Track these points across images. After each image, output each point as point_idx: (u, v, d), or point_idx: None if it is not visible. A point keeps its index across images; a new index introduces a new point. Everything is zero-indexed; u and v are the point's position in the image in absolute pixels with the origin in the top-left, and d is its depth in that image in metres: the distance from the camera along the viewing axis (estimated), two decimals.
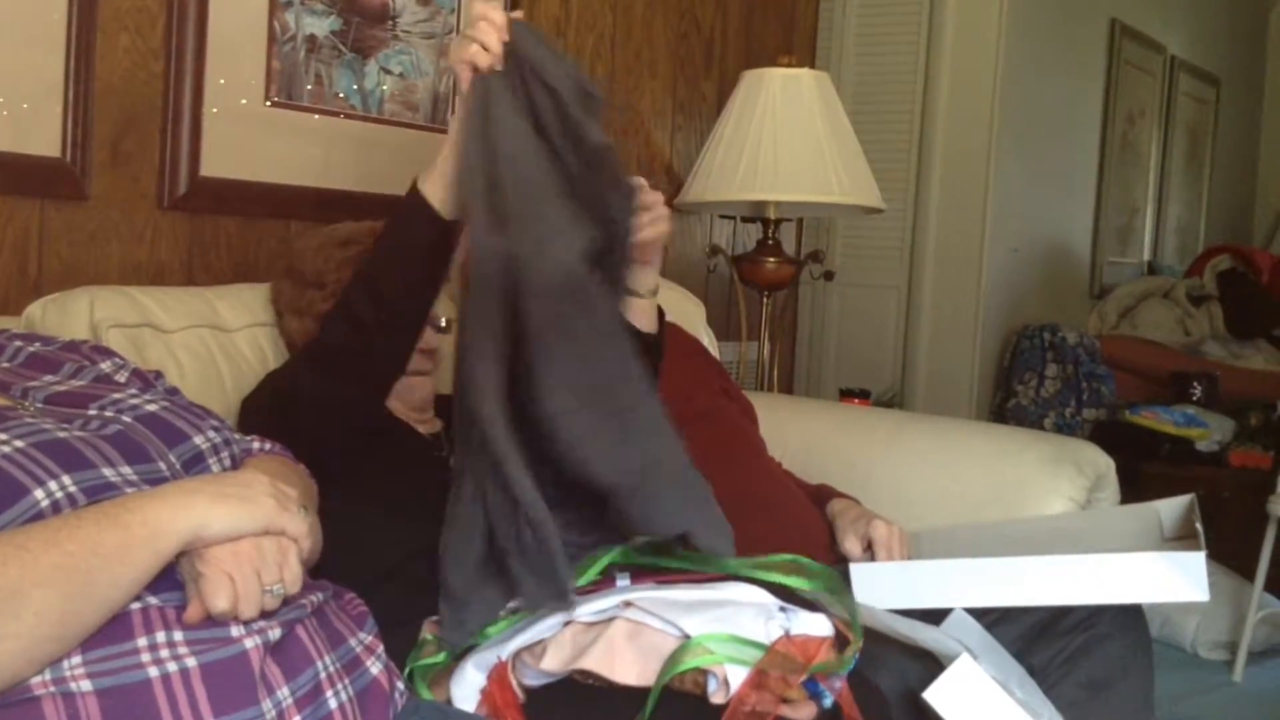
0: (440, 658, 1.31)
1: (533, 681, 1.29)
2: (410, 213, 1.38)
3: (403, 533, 1.46)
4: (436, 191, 1.37)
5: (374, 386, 1.47)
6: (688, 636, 1.23)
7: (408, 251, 1.39)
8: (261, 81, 1.97)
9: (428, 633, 1.37)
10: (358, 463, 1.51)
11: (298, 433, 1.42)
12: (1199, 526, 1.53)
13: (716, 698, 1.19)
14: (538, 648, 1.29)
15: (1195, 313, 4.76)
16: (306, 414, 1.46)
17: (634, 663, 1.23)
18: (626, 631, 1.26)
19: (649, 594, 1.32)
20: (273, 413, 1.51)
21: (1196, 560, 1.40)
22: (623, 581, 1.41)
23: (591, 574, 1.40)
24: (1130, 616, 1.48)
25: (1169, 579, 1.41)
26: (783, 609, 1.32)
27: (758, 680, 1.19)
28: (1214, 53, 5.77)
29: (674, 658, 1.21)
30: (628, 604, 1.29)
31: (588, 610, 1.31)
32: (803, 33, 3.36)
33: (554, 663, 1.26)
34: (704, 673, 1.20)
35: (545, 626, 1.31)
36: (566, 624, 1.30)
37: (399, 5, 2.17)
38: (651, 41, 2.81)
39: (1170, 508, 1.66)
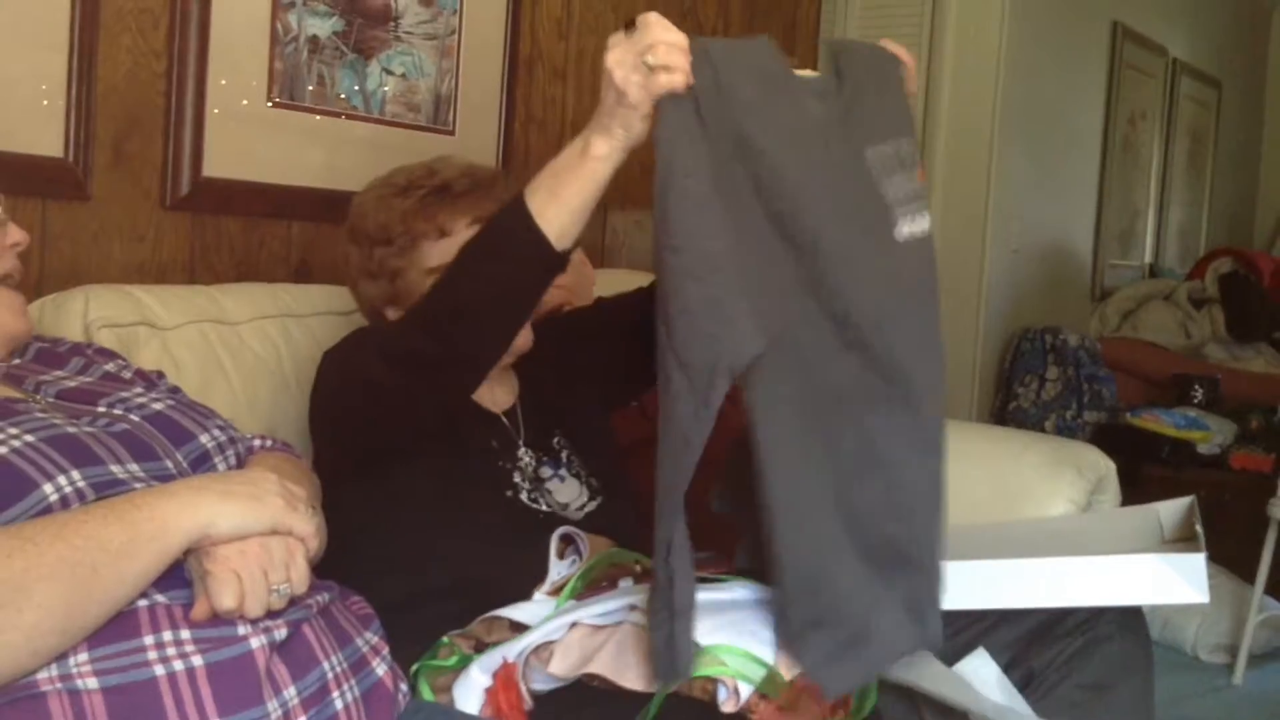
0: (451, 661, 1.31)
1: (540, 686, 1.28)
2: (515, 239, 1.26)
3: (453, 554, 1.45)
4: (556, 219, 1.24)
5: (457, 392, 1.42)
6: (696, 643, 1.23)
7: (506, 280, 1.29)
8: (264, 82, 1.97)
9: (454, 642, 1.36)
10: (416, 465, 1.48)
11: (371, 424, 1.40)
12: (1199, 529, 1.53)
13: (726, 706, 1.18)
14: (544, 651, 1.29)
15: (1196, 315, 4.76)
16: (382, 409, 1.40)
17: (642, 668, 1.22)
18: (634, 636, 1.25)
19: None
20: (342, 395, 1.46)
21: (1197, 562, 1.40)
22: (625, 583, 1.41)
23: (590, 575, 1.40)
24: (1131, 619, 1.48)
25: (1169, 581, 1.41)
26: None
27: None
28: (1216, 55, 5.78)
29: None
30: (634, 607, 1.29)
31: (593, 612, 1.30)
32: (805, 35, 3.36)
33: (561, 667, 1.26)
34: (714, 681, 1.20)
35: (551, 629, 1.30)
36: (573, 626, 1.30)
37: (401, 6, 2.18)
38: None
39: (1170, 510, 1.65)
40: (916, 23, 3.68)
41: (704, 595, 1.31)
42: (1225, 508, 3.50)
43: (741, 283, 1.12)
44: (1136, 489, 2.74)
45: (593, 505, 1.58)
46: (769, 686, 1.20)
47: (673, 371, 1.11)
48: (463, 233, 1.53)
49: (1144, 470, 3.62)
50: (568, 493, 1.58)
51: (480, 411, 1.59)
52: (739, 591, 1.33)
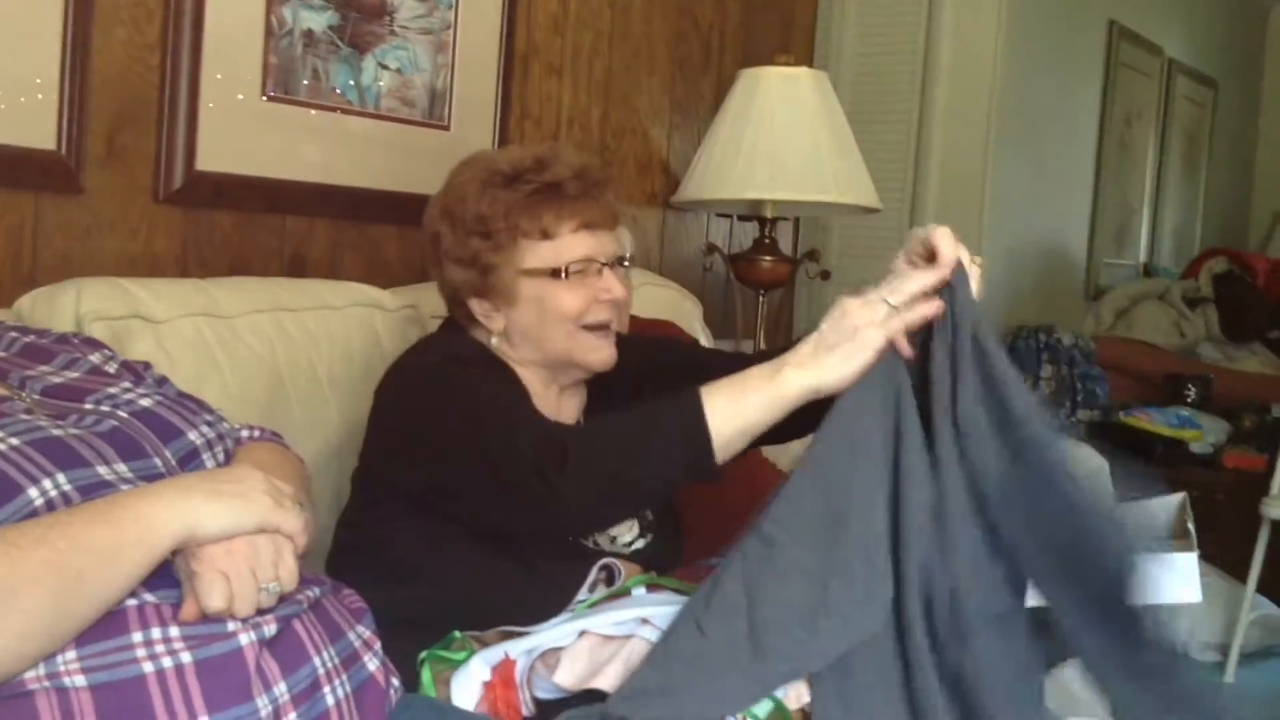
0: (460, 655, 1.30)
1: (544, 694, 1.27)
2: (686, 454, 1.26)
3: (489, 578, 1.43)
4: (728, 434, 1.26)
5: (543, 530, 1.41)
6: None
7: (654, 475, 1.29)
8: (258, 76, 1.97)
9: (466, 639, 1.36)
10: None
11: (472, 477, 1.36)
12: (1190, 526, 1.53)
13: None
14: (551, 657, 1.27)
15: (1190, 315, 4.77)
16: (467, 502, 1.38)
17: None
18: (644, 652, 1.24)
19: (666, 609, 1.30)
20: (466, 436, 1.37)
21: (1189, 561, 1.40)
22: (638, 591, 1.40)
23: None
24: None
25: (1161, 580, 1.41)
26: None
27: None
28: (1211, 55, 5.78)
29: None
30: (645, 620, 1.28)
31: (604, 621, 1.29)
32: (801, 32, 3.36)
33: (568, 678, 1.25)
34: None
35: (561, 634, 1.29)
36: (582, 634, 1.29)
37: (396, 1, 2.17)
38: (650, 39, 2.81)
39: (1162, 506, 1.66)
40: (913, 21, 3.67)
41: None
42: (1218, 507, 3.50)
43: None
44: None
45: (642, 542, 1.54)
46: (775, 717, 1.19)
47: None
48: (566, 237, 1.49)
49: (1137, 469, 3.62)
50: (620, 527, 1.53)
51: None
52: None
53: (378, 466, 1.50)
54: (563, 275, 1.48)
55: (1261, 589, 3.23)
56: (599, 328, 1.51)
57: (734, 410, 1.25)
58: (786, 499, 1.22)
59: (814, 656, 1.18)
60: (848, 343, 1.24)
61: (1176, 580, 1.40)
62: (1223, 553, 3.31)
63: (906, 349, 1.26)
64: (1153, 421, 3.84)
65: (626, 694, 1.17)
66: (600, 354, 1.52)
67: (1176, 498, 1.65)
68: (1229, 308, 4.81)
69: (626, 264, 1.55)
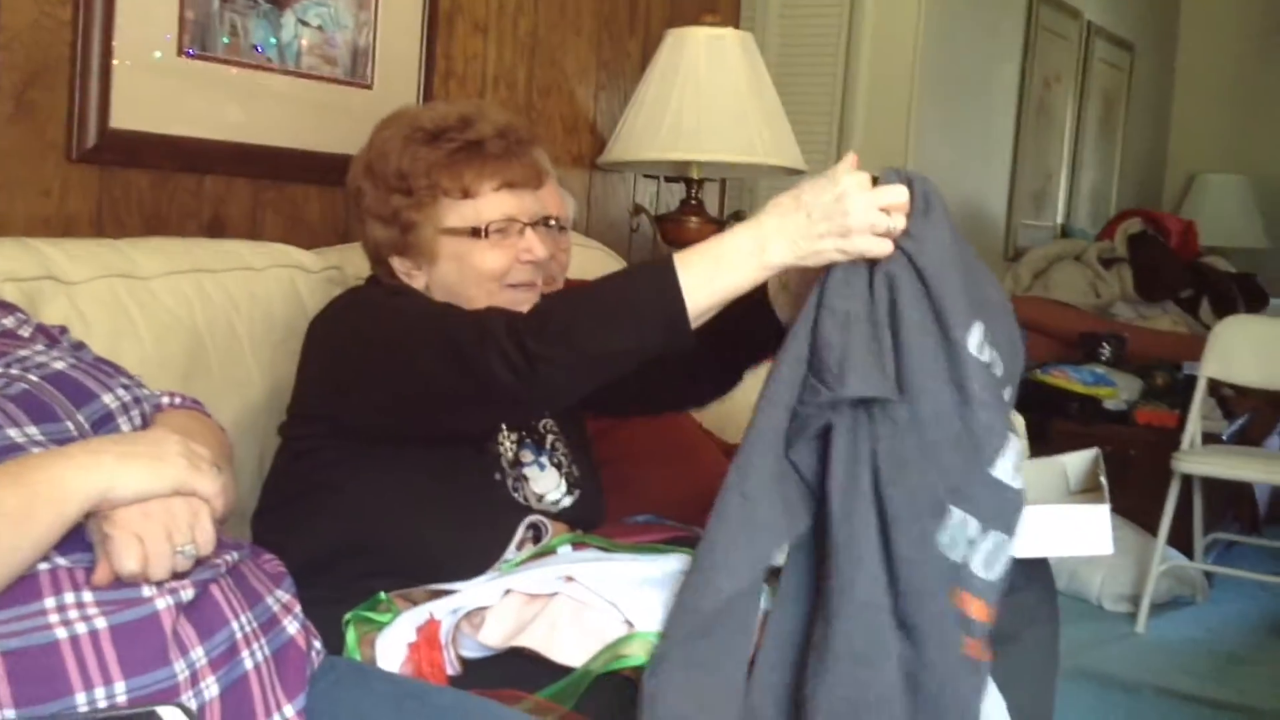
0: (386, 617, 1.30)
1: (470, 653, 1.28)
2: (654, 310, 1.24)
3: (419, 535, 1.41)
4: (703, 303, 1.24)
5: (510, 418, 1.40)
6: (630, 623, 1.23)
7: (622, 341, 1.25)
8: (175, 33, 1.92)
9: (391, 598, 1.35)
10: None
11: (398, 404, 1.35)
12: (1103, 480, 1.57)
13: None
14: (476, 617, 1.28)
15: (1106, 275, 4.86)
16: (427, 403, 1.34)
17: (574, 644, 1.23)
18: (569, 610, 1.25)
19: (591, 566, 1.31)
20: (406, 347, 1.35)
21: (1101, 514, 1.43)
22: (563, 550, 1.40)
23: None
24: (1037, 570, 1.51)
25: (1075, 533, 1.44)
26: None
27: None
28: (1129, 19, 5.87)
29: (616, 647, 1.21)
30: (569, 578, 1.29)
31: (529, 580, 1.30)
32: (726, 9, 3.36)
33: (494, 637, 1.25)
34: None
35: (486, 593, 1.30)
36: (507, 593, 1.29)
37: None
38: None
39: (1076, 461, 1.70)
40: None
41: (639, 568, 1.32)
42: (1130, 462, 3.60)
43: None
44: (1045, 444, 2.81)
45: (569, 500, 1.53)
46: None
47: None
48: (487, 196, 1.47)
49: (1053, 426, 3.71)
50: (544, 484, 1.53)
51: None
52: (680, 564, 1.33)
53: (313, 410, 1.49)
54: (483, 235, 1.47)
55: (1171, 541, 3.33)
56: (522, 286, 1.50)
57: (710, 285, 1.24)
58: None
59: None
60: (840, 234, 1.24)
61: (1089, 532, 1.43)
62: (1135, 506, 3.40)
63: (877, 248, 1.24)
64: (1069, 379, 3.92)
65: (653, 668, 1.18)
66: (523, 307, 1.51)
67: (1090, 453, 1.70)
68: (1143, 268, 4.91)
69: (552, 224, 1.54)
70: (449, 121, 1.49)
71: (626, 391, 1.41)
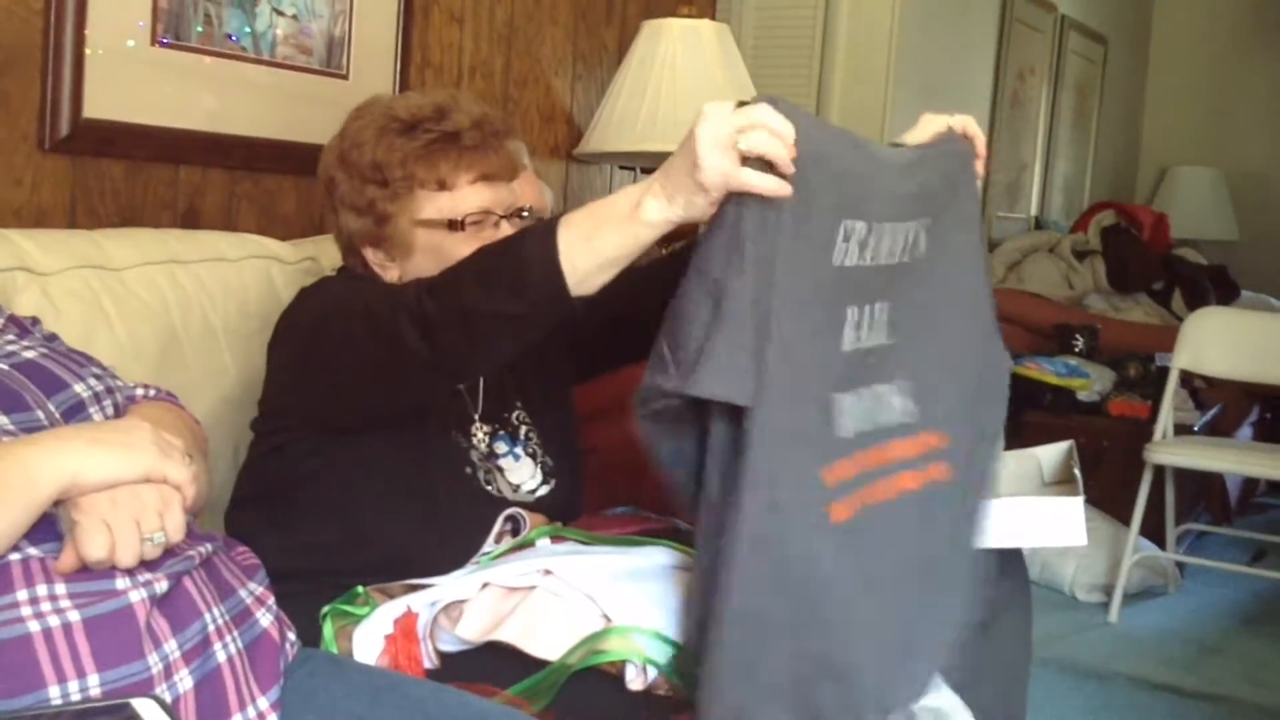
0: (364, 610, 1.30)
1: (448, 647, 1.28)
2: (532, 270, 1.16)
3: (391, 529, 1.40)
4: (582, 264, 1.15)
5: (429, 392, 1.36)
6: (607, 617, 1.23)
7: (509, 308, 1.19)
8: (148, 21, 1.91)
9: (369, 592, 1.35)
10: (372, 431, 1.41)
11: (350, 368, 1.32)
12: (1077, 472, 1.58)
13: (634, 685, 1.19)
14: (454, 610, 1.28)
15: (1079, 267, 4.89)
16: (372, 353, 1.30)
17: (552, 638, 1.22)
18: (546, 604, 1.25)
19: (569, 559, 1.31)
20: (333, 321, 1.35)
21: (1075, 505, 1.45)
22: (542, 543, 1.40)
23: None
24: (1010, 560, 1.52)
25: (1048, 524, 1.45)
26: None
27: None
28: (1102, 12, 5.90)
29: (593, 641, 1.20)
30: (547, 572, 1.29)
31: (507, 573, 1.30)
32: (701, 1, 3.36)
33: (471, 631, 1.25)
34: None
35: (464, 587, 1.30)
36: (485, 586, 1.29)
37: None
38: None
39: (1050, 454, 1.71)
40: None
41: (618, 562, 1.32)
42: (1104, 453, 3.62)
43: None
44: (1019, 435, 2.82)
45: (545, 489, 1.53)
46: (675, 667, 1.20)
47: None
48: (463, 189, 1.47)
49: (1026, 417, 3.73)
50: (520, 474, 1.53)
51: None
52: (658, 557, 1.33)
53: (279, 404, 1.49)
54: (460, 227, 1.46)
55: (1144, 532, 3.35)
56: None
57: (589, 242, 1.15)
58: None
59: None
60: (690, 174, 1.09)
61: (1063, 524, 1.45)
62: (1108, 497, 3.43)
63: (764, 186, 1.06)
64: (1042, 370, 3.94)
65: None
66: None
67: (1064, 445, 1.71)
68: (1116, 260, 4.94)
69: (526, 214, 1.54)
70: (424, 112, 1.48)
71: (597, 345, 1.43)
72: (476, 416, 1.53)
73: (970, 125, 1.32)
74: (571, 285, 1.16)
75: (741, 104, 1.08)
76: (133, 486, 0.99)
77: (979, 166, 1.33)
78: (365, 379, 1.33)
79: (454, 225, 1.46)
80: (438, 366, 1.26)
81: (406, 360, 1.25)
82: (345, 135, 1.52)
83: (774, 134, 1.05)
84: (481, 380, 1.56)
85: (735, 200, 1.07)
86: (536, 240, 1.17)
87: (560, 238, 1.15)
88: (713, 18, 3.22)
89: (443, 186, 1.47)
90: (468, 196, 1.47)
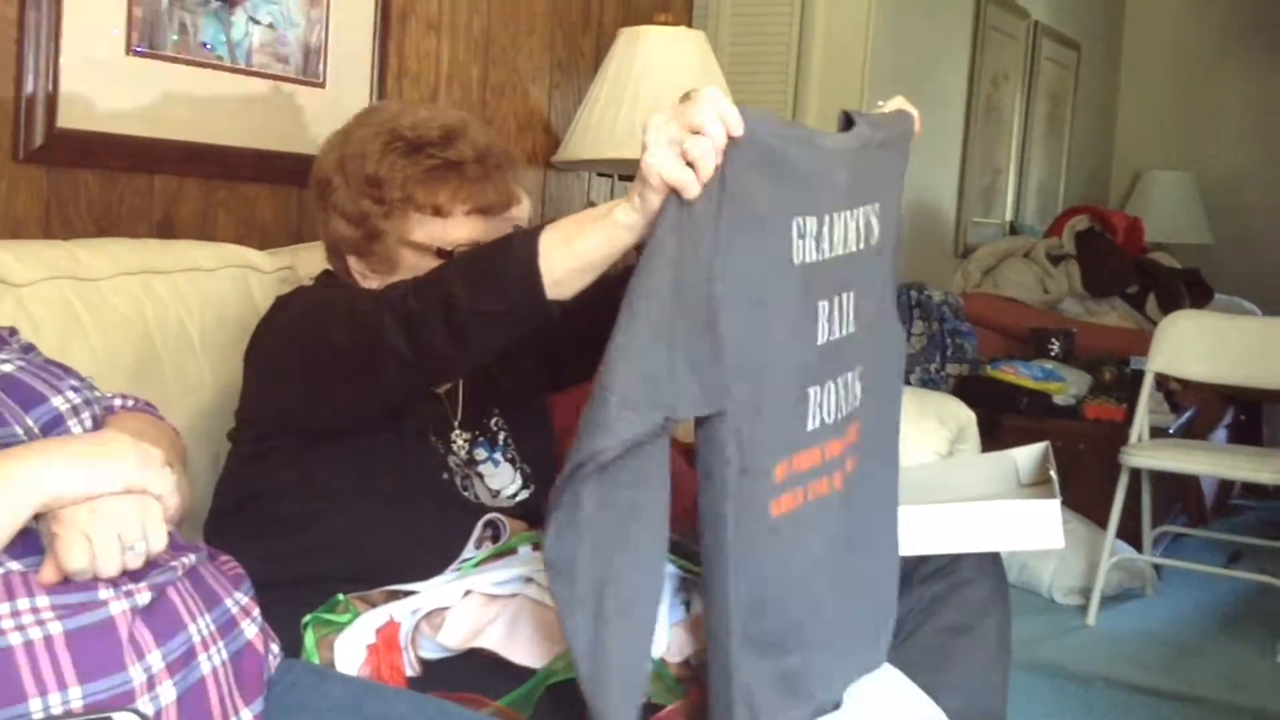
0: (345, 618, 1.29)
1: (430, 654, 1.28)
2: (511, 271, 1.17)
3: (371, 537, 1.40)
4: (560, 264, 1.15)
5: (406, 390, 1.35)
6: None
7: (488, 307, 1.19)
8: (123, 30, 1.90)
9: (350, 600, 1.34)
10: (349, 436, 1.41)
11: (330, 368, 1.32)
12: (1053, 474, 1.59)
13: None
14: (436, 617, 1.28)
15: (1054, 272, 4.92)
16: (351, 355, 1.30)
17: (533, 645, 1.22)
18: (528, 611, 1.25)
19: None
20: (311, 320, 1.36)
21: (1052, 509, 1.45)
22: (524, 549, 1.40)
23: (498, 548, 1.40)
24: (989, 563, 1.53)
25: (1026, 528, 1.46)
26: (685, 578, 1.33)
27: None
28: (1075, 18, 5.94)
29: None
30: (529, 579, 1.28)
31: (489, 580, 1.30)
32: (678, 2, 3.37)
33: (453, 638, 1.25)
34: None
35: (445, 594, 1.29)
36: (467, 593, 1.29)
37: None
38: None
39: (1026, 455, 1.72)
40: None
41: None
42: (1080, 456, 3.64)
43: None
44: (996, 439, 2.84)
45: (525, 494, 1.54)
46: (656, 685, 1.20)
47: None
48: (458, 218, 1.46)
49: (1003, 421, 3.75)
50: (500, 479, 1.53)
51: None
52: None
53: (257, 410, 1.48)
54: (447, 256, 1.46)
55: (1121, 534, 3.37)
56: None
57: (569, 243, 1.15)
58: None
59: None
60: (641, 178, 1.07)
61: (1040, 527, 1.45)
62: (1085, 500, 3.45)
63: (689, 187, 1.04)
64: (1018, 374, 3.96)
65: None
66: None
67: (1040, 446, 1.72)
68: (1090, 264, 4.97)
69: None
70: (431, 135, 1.47)
71: (566, 354, 1.43)
72: (456, 423, 1.54)
73: (904, 102, 1.35)
74: (548, 286, 1.16)
75: (686, 96, 1.07)
76: (113, 497, 0.99)
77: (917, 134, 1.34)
78: (342, 378, 1.33)
79: (442, 254, 1.46)
80: (416, 364, 1.26)
81: (386, 358, 1.25)
82: (348, 140, 1.51)
83: (706, 142, 1.03)
84: (461, 388, 1.56)
85: (674, 200, 1.06)
86: (520, 241, 1.18)
87: (541, 240, 1.16)
88: (689, 25, 3.23)
89: (438, 213, 1.46)
90: (460, 226, 1.47)
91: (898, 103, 1.35)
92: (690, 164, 1.03)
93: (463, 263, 1.27)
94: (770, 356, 1.12)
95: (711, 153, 1.03)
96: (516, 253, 1.17)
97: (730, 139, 1.04)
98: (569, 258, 1.15)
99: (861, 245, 1.23)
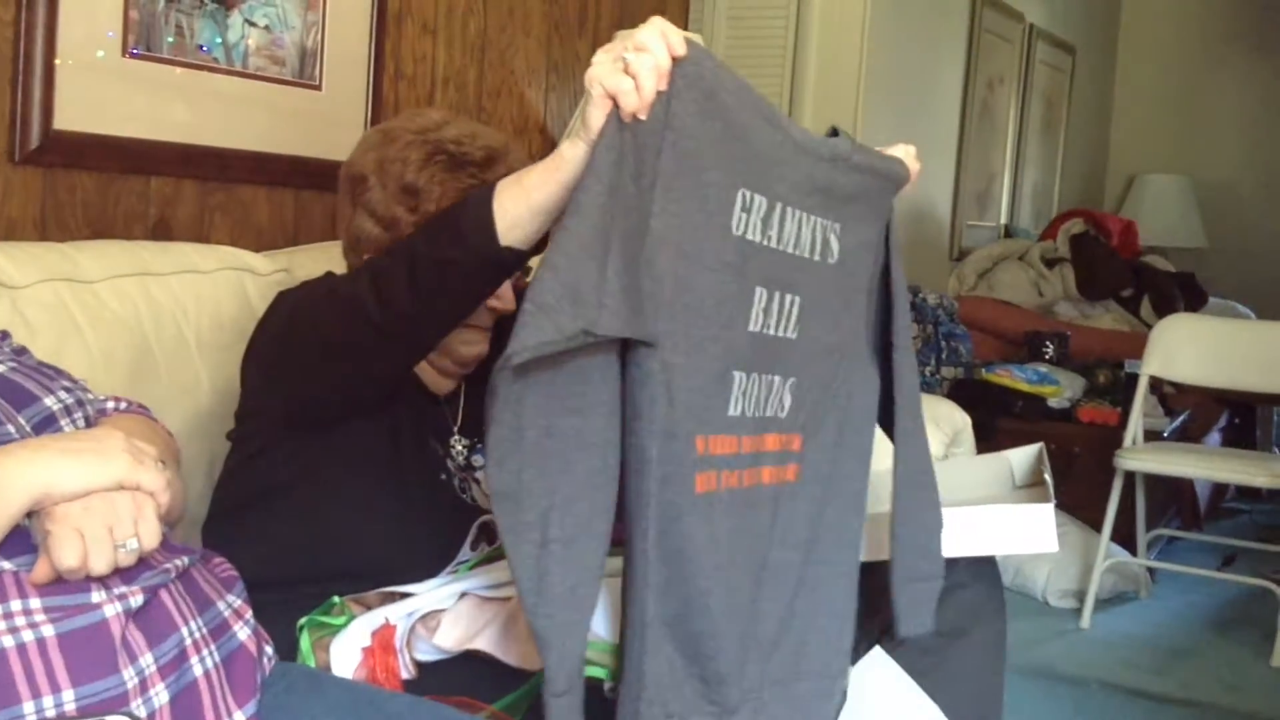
0: (340, 620, 1.29)
1: (425, 657, 1.28)
2: (467, 217, 1.18)
3: (367, 537, 1.40)
4: (512, 207, 1.15)
5: (389, 366, 1.35)
6: (596, 633, 1.23)
7: (448, 258, 1.20)
8: (119, 33, 1.90)
9: (345, 602, 1.34)
10: (348, 435, 1.42)
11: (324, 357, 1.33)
12: (1048, 477, 1.59)
13: (612, 693, 1.19)
14: (431, 620, 1.28)
15: (1049, 275, 4.93)
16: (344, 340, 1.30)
17: (528, 648, 1.22)
18: (523, 614, 1.25)
19: None
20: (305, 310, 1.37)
21: (1046, 512, 1.46)
22: None
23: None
24: (983, 566, 1.53)
25: (1020, 532, 1.46)
26: None
27: None
28: (1070, 22, 5.96)
29: None
30: None
31: (484, 582, 1.30)
32: (674, 9, 3.37)
33: (448, 640, 1.25)
34: None
35: (441, 596, 1.30)
36: (462, 596, 1.29)
37: None
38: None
39: (1021, 456, 1.73)
40: None
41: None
42: (1074, 459, 3.65)
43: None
44: (990, 442, 2.84)
45: None
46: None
47: None
48: None
49: (998, 424, 3.75)
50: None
51: (420, 392, 1.54)
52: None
53: (255, 408, 1.49)
54: None
55: (1115, 537, 3.38)
56: (472, 328, 1.50)
57: (519, 183, 1.15)
58: None
59: None
60: (586, 101, 1.07)
61: (1034, 531, 1.46)
62: (1079, 503, 3.45)
63: (627, 95, 1.03)
64: (1013, 378, 3.97)
65: None
66: (474, 349, 1.53)
67: (1035, 449, 1.73)
68: (1085, 267, 4.98)
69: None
70: (474, 155, 1.48)
71: None
72: (456, 429, 1.55)
73: (913, 153, 1.33)
74: (502, 230, 1.15)
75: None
76: (106, 494, 0.99)
77: (908, 188, 1.33)
78: (330, 356, 1.33)
79: None
80: (384, 325, 1.26)
81: (361, 326, 1.26)
82: (390, 142, 1.51)
83: (651, 61, 1.02)
84: (462, 394, 1.57)
85: (615, 120, 1.04)
86: (479, 190, 1.20)
87: (498, 185, 1.17)
88: (685, 28, 3.23)
89: None
90: None
91: (901, 150, 1.33)
92: (631, 77, 1.02)
93: (431, 219, 1.29)
94: (695, 315, 1.10)
95: (653, 69, 1.02)
96: (473, 199, 1.19)
97: (678, 69, 1.04)
98: (520, 196, 1.14)
99: (815, 256, 1.21)
